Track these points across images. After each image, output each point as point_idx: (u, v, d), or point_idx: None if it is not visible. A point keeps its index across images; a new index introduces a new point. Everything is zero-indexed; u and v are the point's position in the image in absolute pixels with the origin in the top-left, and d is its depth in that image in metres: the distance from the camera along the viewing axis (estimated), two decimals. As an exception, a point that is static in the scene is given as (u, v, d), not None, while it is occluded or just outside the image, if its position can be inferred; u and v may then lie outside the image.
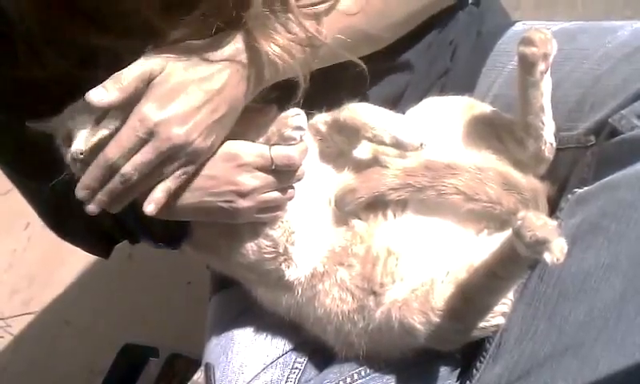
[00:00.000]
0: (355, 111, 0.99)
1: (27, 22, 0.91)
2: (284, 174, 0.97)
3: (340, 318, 1.02)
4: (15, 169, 1.10)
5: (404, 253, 0.99)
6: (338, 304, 1.02)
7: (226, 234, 1.03)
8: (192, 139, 0.88)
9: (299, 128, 0.95)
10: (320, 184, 1.04)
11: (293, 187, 0.99)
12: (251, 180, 0.95)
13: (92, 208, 0.89)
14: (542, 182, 1.02)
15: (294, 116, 0.96)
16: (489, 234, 0.99)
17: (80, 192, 0.89)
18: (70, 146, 0.90)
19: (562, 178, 1.03)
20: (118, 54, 0.89)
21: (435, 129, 1.07)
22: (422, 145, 0.97)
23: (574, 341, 0.86)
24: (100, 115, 0.88)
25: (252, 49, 0.91)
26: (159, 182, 0.90)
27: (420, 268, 0.98)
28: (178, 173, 0.90)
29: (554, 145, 1.01)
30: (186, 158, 0.90)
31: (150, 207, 0.89)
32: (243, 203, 0.95)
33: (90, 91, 0.84)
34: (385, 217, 1.02)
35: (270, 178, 0.96)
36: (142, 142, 0.86)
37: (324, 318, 1.04)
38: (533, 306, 0.92)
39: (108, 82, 0.85)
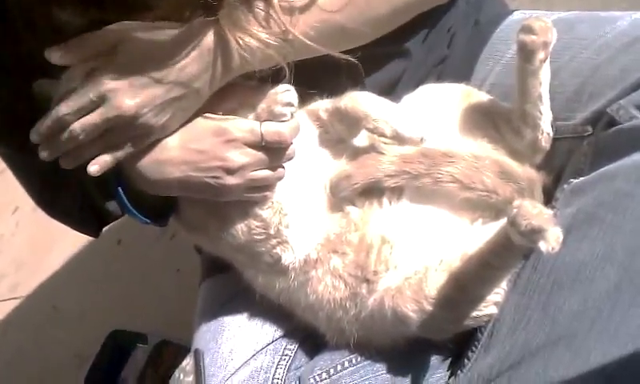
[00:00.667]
0: (357, 101, 0.99)
1: None
2: (274, 152, 0.96)
3: (332, 305, 1.01)
4: (6, 141, 1.08)
5: (398, 241, 0.98)
6: (331, 291, 1.01)
7: (214, 213, 1.02)
8: (142, 113, 0.90)
9: (289, 104, 0.95)
10: (317, 169, 1.03)
11: (283, 167, 0.98)
12: (240, 156, 0.94)
13: (43, 154, 0.93)
14: (538, 171, 1.02)
15: (283, 92, 0.95)
16: (483, 223, 0.98)
17: (32, 135, 0.92)
18: None
19: (558, 168, 1.03)
20: None
21: (432, 116, 1.06)
22: (422, 139, 0.96)
23: (567, 331, 0.85)
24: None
25: (221, 38, 0.91)
26: (109, 149, 0.92)
27: (414, 256, 0.97)
28: (128, 144, 0.93)
29: (551, 134, 1.01)
30: (135, 131, 0.92)
31: (93, 167, 0.92)
32: (231, 180, 0.95)
33: (52, 48, 0.87)
34: (380, 204, 1.01)
35: (259, 156, 0.95)
36: (93, 105, 0.89)
37: (316, 304, 1.03)
38: (526, 295, 0.91)
39: (71, 42, 0.88)
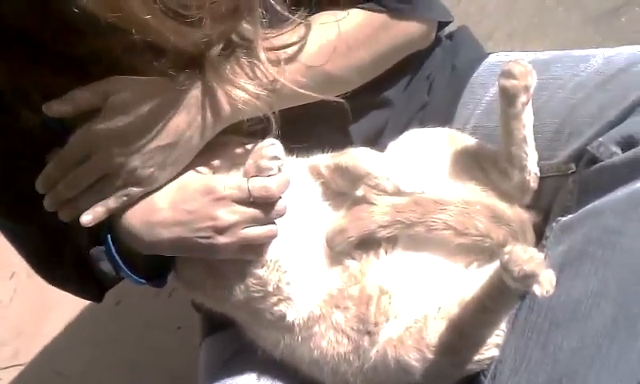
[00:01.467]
0: (356, 158, 1.00)
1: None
2: (263, 208, 0.95)
3: (336, 359, 1.01)
4: (4, 213, 1.08)
5: (396, 290, 0.99)
6: (334, 346, 1.01)
7: (211, 272, 1.02)
8: (129, 160, 0.92)
9: (275, 158, 0.95)
10: (316, 224, 1.03)
11: (274, 223, 0.97)
12: (229, 215, 0.94)
13: (46, 203, 0.96)
14: (527, 211, 1.03)
15: (268, 146, 0.95)
16: (478, 267, 1.00)
17: (37, 184, 0.96)
18: None
19: (546, 206, 1.04)
20: None
21: (419, 162, 1.08)
22: (422, 192, 0.98)
23: (568, 369, 0.87)
24: None
25: (209, 90, 0.93)
26: (101, 199, 0.95)
27: (413, 305, 0.98)
28: (119, 193, 0.94)
29: (539, 174, 1.02)
30: (124, 179, 0.93)
31: (86, 218, 0.94)
32: (222, 239, 0.94)
33: (49, 102, 0.91)
34: (376, 255, 1.01)
35: (248, 213, 0.94)
36: (85, 153, 0.92)
37: (320, 359, 1.03)
38: (525, 336, 0.92)
39: (66, 96, 0.91)
